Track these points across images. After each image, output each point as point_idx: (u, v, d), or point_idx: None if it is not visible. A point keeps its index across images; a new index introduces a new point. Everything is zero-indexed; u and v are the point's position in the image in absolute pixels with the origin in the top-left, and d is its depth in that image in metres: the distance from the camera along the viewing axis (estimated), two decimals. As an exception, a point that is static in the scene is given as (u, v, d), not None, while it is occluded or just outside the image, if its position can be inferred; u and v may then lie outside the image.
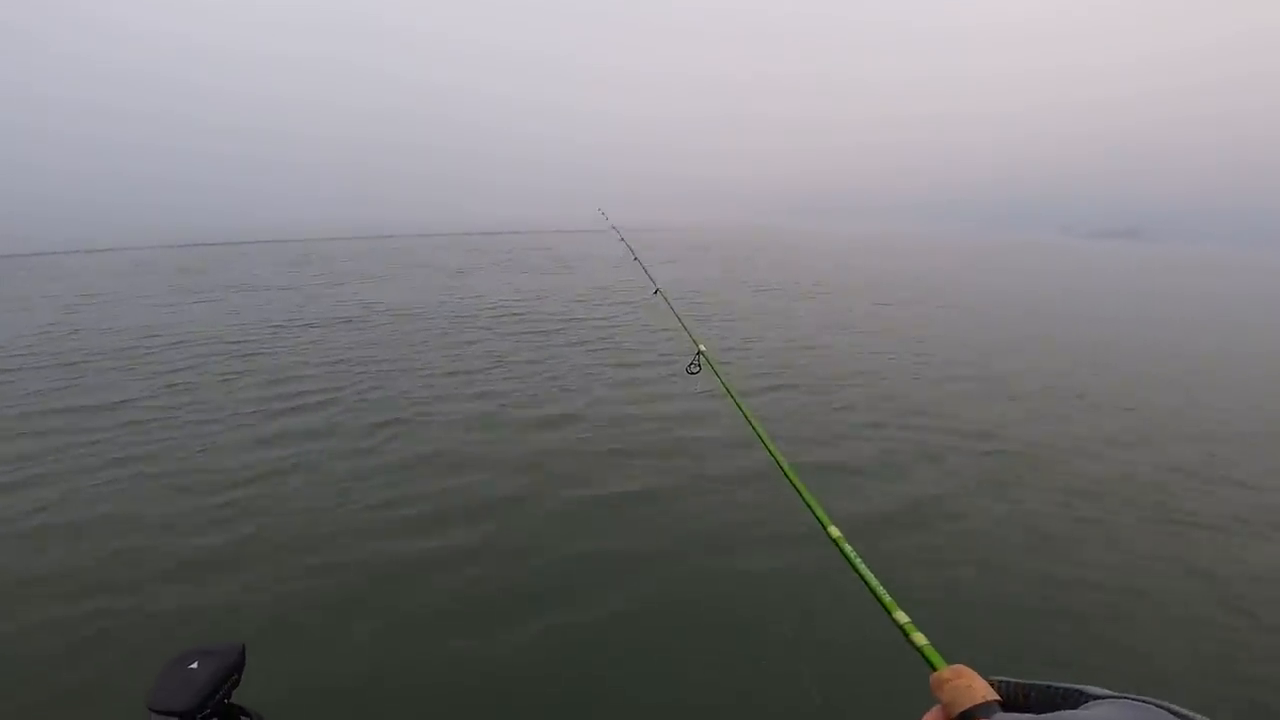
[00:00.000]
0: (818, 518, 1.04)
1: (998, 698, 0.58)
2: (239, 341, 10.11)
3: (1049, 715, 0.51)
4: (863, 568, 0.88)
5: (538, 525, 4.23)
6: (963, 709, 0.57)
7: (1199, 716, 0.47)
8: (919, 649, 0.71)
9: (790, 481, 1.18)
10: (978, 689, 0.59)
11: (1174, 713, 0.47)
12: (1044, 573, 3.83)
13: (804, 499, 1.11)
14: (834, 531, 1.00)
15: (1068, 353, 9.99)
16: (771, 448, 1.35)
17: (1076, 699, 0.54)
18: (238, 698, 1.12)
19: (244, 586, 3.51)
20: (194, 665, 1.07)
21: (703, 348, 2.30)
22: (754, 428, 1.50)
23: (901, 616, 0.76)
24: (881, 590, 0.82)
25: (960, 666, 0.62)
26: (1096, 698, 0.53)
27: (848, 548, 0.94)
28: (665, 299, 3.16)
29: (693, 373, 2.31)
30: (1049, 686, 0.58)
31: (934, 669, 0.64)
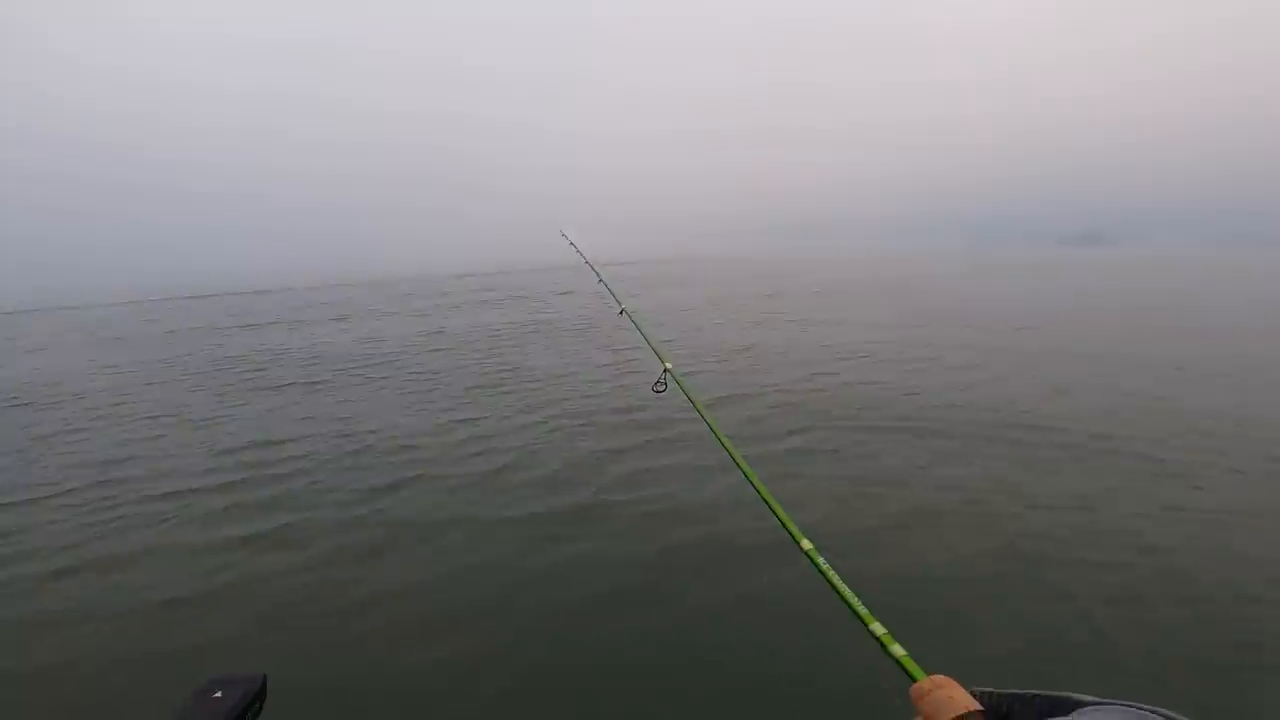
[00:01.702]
0: (790, 532, 1.03)
1: (980, 708, 0.57)
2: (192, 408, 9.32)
3: None
4: (836, 580, 0.87)
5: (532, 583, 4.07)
6: None
7: None
8: (897, 660, 0.70)
9: (761, 495, 1.17)
10: (959, 699, 0.58)
11: (1166, 717, 0.47)
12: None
13: (775, 513, 1.10)
14: (806, 544, 0.99)
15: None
16: (741, 463, 1.35)
17: (1066, 706, 0.53)
18: None
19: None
20: (218, 695, 1.06)
21: (668, 365, 2.29)
22: (724, 444, 1.49)
23: (878, 628, 0.76)
24: (857, 602, 0.81)
25: (940, 677, 0.61)
26: (1087, 704, 0.52)
27: (820, 560, 0.93)
28: (630, 318, 3.15)
29: (659, 391, 2.29)
30: (1034, 695, 0.57)
31: (914, 680, 0.63)
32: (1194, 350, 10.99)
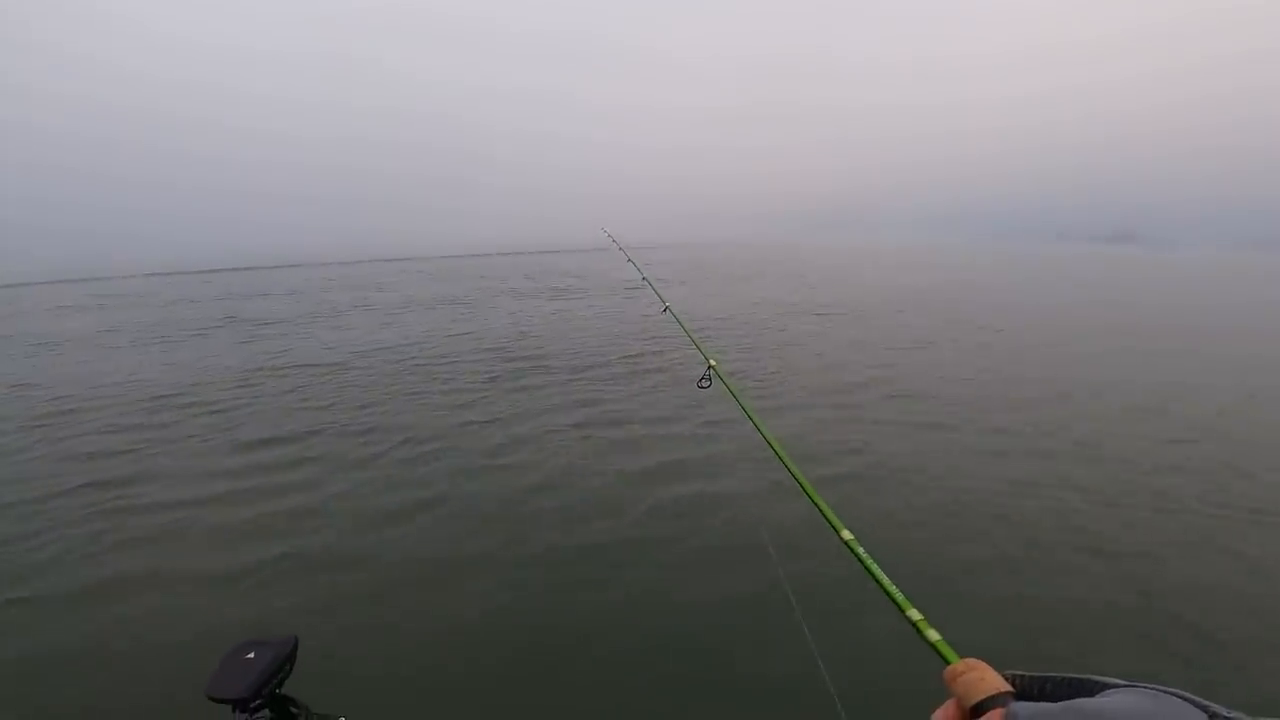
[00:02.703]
0: (830, 522, 1.06)
1: (1011, 689, 0.59)
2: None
3: (1065, 703, 0.52)
4: (876, 569, 0.90)
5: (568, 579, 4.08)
6: (976, 700, 0.58)
7: (1215, 705, 0.47)
8: (932, 645, 0.73)
9: (802, 487, 1.20)
10: (991, 680, 0.59)
11: (1191, 701, 0.48)
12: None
13: (816, 505, 1.13)
14: (846, 535, 1.02)
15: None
16: (784, 456, 1.37)
17: (1093, 688, 0.54)
18: (288, 688, 1.19)
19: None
20: (250, 655, 1.14)
21: (713, 362, 2.33)
22: (766, 439, 1.52)
23: (915, 614, 0.78)
24: (895, 589, 0.84)
25: (973, 660, 0.63)
26: (1113, 687, 0.53)
27: (860, 550, 0.96)
28: (674, 315, 3.21)
29: (703, 387, 2.33)
30: (1064, 678, 0.58)
31: (948, 663, 0.65)
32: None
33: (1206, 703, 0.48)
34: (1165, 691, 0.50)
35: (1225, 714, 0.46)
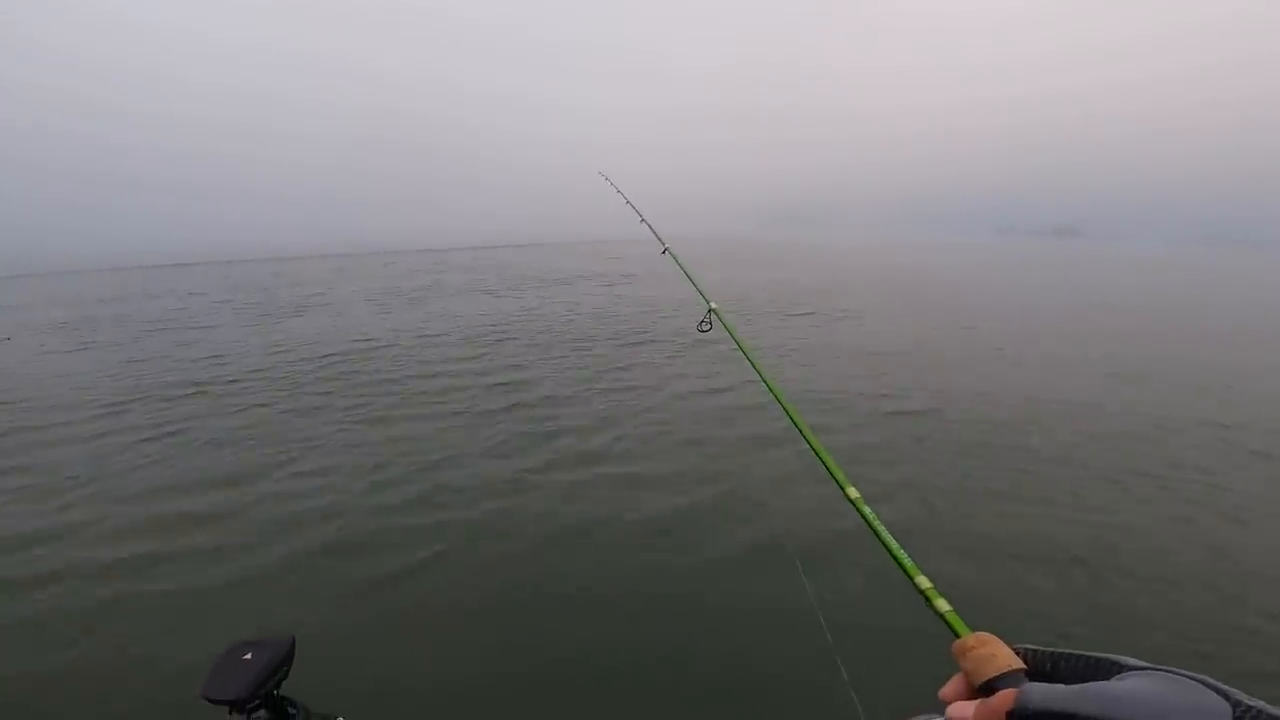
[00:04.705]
0: (835, 479, 1.01)
1: (1023, 666, 0.56)
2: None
3: (1078, 686, 0.49)
4: (882, 530, 0.85)
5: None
6: (986, 678, 0.55)
7: (1235, 690, 0.44)
8: (941, 615, 0.68)
9: (808, 441, 1.15)
10: (1002, 657, 0.56)
11: (1209, 685, 0.45)
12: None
13: (822, 460, 1.08)
14: (852, 492, 0.97)
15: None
16: (788, 407, 1.32)
17: (1109, 669, 0.51)
18: (286, 688, 1.16)
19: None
20: (247, 656, 1.11)
21: (714, 305, 2.26)
22: (769, 387, 1.47)
23: (924, 581, 0.73)
24: (903, 554, 0.79)
25: (984, 634, 0.60)
26: (1130, 669, 0.50)
27: (866, 509, 0.91)
28: (674, 257, 3.11)
29: (704, 331, 2.28)
30: (1079, 656, 0.55)
31: (958, 636, 0.63)
32: None
33: (1228, 688, 0.45)
34: (1186, 675, 0.46)
35: (1248, 702, 0.43)
